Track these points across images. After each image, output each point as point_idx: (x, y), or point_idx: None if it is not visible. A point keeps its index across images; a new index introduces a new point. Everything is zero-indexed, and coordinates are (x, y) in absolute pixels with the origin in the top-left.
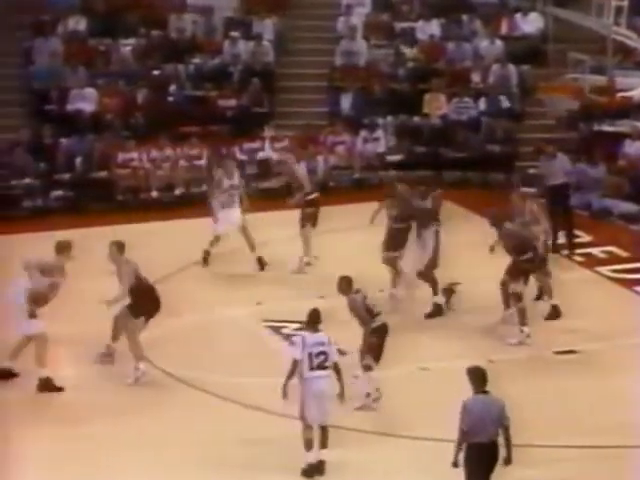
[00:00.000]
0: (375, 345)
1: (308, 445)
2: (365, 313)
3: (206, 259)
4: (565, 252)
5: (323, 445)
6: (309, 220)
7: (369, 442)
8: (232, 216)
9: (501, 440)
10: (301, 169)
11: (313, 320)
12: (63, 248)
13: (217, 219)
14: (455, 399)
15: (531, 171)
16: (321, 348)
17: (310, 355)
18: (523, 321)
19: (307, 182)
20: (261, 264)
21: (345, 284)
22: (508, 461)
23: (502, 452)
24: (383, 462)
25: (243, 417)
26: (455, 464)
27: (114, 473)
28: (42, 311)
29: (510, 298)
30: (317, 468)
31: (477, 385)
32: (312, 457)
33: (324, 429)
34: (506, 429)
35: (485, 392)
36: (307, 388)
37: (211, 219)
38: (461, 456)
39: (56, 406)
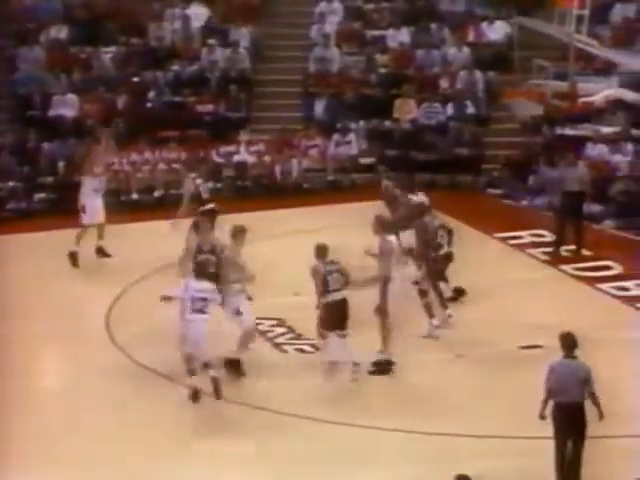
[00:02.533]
0: (324, 318)
1: (191, 373)
2: (321, 285)
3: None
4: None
5: (218, 395)
6: None
7: (349, 432)
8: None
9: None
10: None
11: (199, 271)
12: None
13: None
14: (424, 391)
15: (495, 174)
16: (202, 294)
17: (192, 299)
18: (431, 314)
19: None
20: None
21: (319, 250)
22: (601, 416)
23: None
24: (363, 452)
25: (220, 410)
26: (542, 417)
27: (99, 466)
28: None
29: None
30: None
31: (566, 349)
32: (196, 380)
33: (215, 381)
34: (592, 394)
35: (573, 357)
36: (187, 328)
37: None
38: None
39: (45, 398)
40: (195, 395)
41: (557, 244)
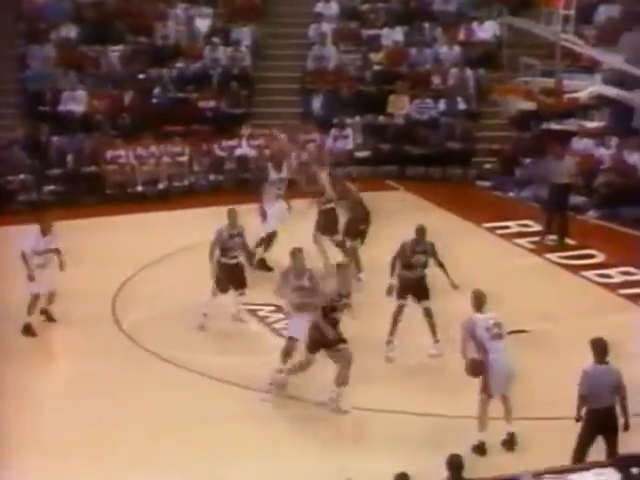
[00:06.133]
0: (219, 279)
1: None
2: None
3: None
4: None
5: None
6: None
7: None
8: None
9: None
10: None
11: None
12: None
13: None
14: (418, 374)
15: (487, 166)
16: None
17: None
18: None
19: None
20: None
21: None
22: (626, 427)
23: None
24: (364, 435)
25: (224, 393)
26: (578, 419)
27: (103, 451)
28: None
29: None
30: None
31: (598, 355)
32: None
33: None
34: (623, 398)
35: (605, 362)
36: None
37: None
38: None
39: (50, 383)
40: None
41: (544, 233)
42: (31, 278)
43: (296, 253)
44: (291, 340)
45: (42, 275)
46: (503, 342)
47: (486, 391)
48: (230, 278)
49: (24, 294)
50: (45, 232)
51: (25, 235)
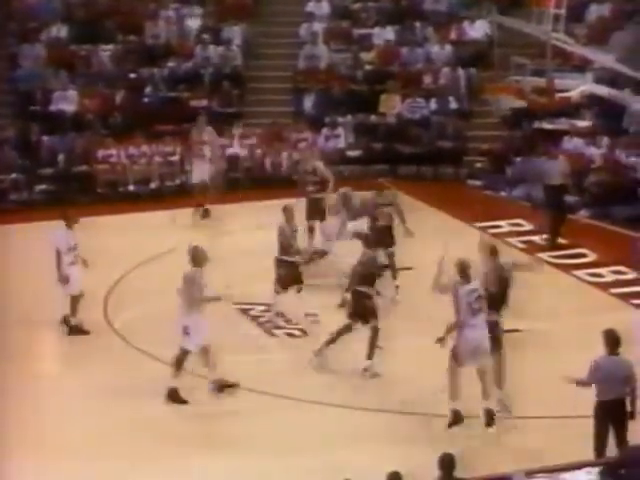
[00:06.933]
0: (281, 276)
1: None
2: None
3: None
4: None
5: None
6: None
7: (335, 413)
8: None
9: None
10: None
11: None
12: None
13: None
14: (408, 375)
15: (478, 165)
16: None
17: None
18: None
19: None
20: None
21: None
22: (632, 416)
23: None
24: (348, 431)
25: (213, 392)
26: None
27: (102, 451)
28: None
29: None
30: None
31: (610, 346)
32: None
33: None
34: (633, 389)
35: (616, 354)
36: None
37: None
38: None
39: (43, 383)
40: None
41: (551, 234)
42: (64, 280)
43: (198, 250)
44: (187, 353)
45: (73, 273)
46: (481, 317)
47: (455, 359)
48: (292, 275)
49: (22, 293)
50: (71, 227)
51: (55, 233)
